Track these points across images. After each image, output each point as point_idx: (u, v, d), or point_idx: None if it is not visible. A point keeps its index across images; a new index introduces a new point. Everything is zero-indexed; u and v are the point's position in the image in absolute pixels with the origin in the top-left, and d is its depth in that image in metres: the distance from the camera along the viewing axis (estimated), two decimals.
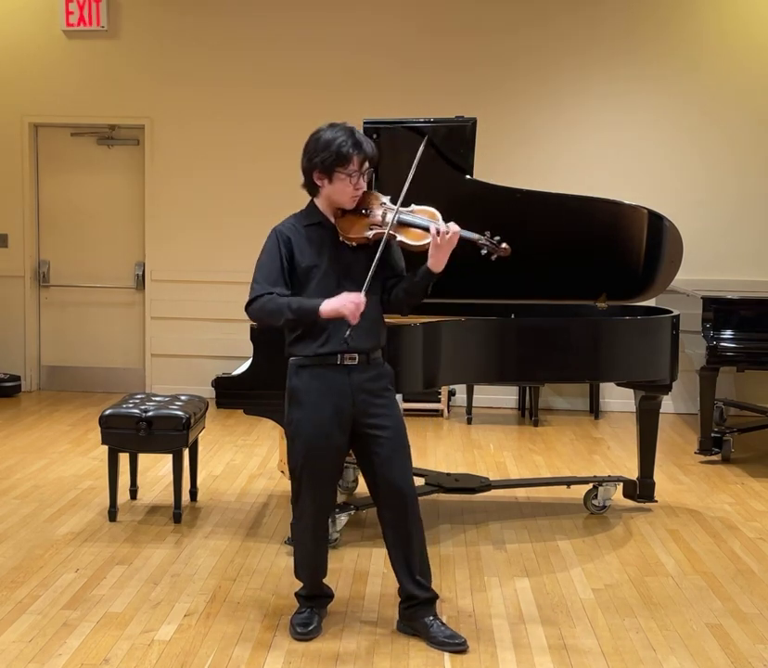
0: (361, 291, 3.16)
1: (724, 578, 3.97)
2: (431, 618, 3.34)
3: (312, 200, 3.37)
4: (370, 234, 3.28)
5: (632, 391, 4.88)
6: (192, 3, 7.41)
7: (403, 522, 3.32)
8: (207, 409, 4.92)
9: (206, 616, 3.51)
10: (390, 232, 3.25)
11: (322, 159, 3.21)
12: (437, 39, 7.27)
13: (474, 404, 7.09)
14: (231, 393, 4.11)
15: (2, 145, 7.64)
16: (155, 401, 4.73)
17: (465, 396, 7.11)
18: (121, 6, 7.44)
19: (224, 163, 7.49)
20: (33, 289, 7.80)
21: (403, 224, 3.28)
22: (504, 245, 3.28)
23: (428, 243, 3.23)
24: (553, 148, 7.32)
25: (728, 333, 5.70)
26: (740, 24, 7.17)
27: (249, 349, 4.09)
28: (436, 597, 3.41)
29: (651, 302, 5.48)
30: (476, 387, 7.10)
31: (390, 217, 3.26)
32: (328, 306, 3.15)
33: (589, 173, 7.17)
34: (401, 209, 3.29)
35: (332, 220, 3.33)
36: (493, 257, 3.30)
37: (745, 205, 7.27)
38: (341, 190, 3.26)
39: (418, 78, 7.26)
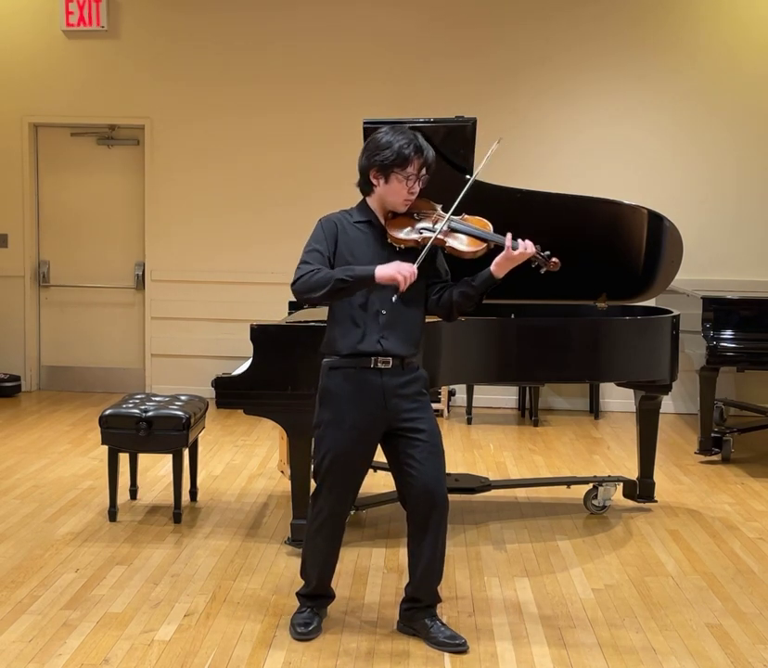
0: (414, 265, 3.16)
1: (724, 578, 3.97)
2: (431, 619, 3.34)
3: (364, 199, 3.37)
4: (419, 238, 3.28)
5: (632, 391, 4.88)
6: (192, 2, 7.41)
7: (431, 526, 3.29)
8: (207, 409, 4.92)
9: (206, 616, 3.51)
10: (440, 237, 3.26)
11: (382, 158, 3.21)
12: (438, 35, 7.26)
13: (474, 404, 7.09)
14: (231, 393, 4.11)
15: (2, 145, 7.64)
16: (155, 401, 4.73)
17: (465, 396, 7.11)
18: (121, 6, 7.44)
19: (224, 163, 7.50)
20: (33, 289, 7.80)
21: (453, 231, 3.30)
22: (554, 259, 3.30)
23: (478, 250, 3.27)
24: (553, 148, 7.32)
25: (728, 333, 5.71)
26: (744, 21, 7.16)
27: (249, 349, 4.09)
28: (439, 601, 3.41)
29: (651, 302, 5.48)
30: (476, 387, 7.10)
31: (441, 223, 3.28)
32: (383, 271, 3.13)
33: (590, 172, 7.17)
34: (452, 217, 3.30)
35: (382, 221, 3.33)
36: (543, 271, 3.32)
37: (747, 205, 7.27)
38: (396, 192, 3.26)
39: (419, 72, 7.26)
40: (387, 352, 3.26)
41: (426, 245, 3.24)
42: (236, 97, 7.44)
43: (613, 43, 7.22)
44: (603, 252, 4.73)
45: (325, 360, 3.34)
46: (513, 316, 4.69)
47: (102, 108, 7.51)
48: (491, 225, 3.35)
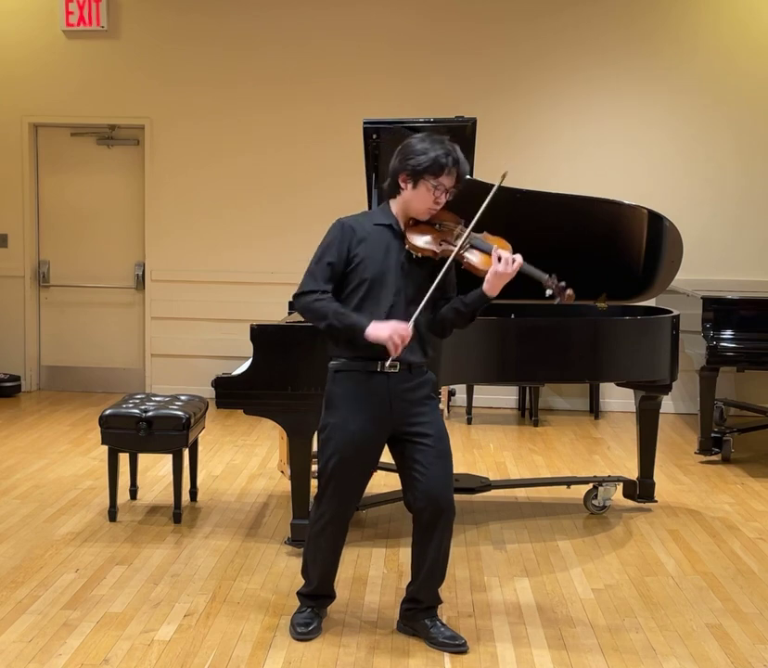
0: (409, 322, 3.15)
1: (724, 578, 3.97)
2: (432, 619, 3.34)
3: (387, 202, 3.35)
4: (439, 249, 3.25)
5: (632, 391, 4.88)
6: (192, 3, 7.41)
7: (437, 529, 3.28)
8: (207, 409, 4.92)
9: (206, 616, 3.51)
10: (461, 252, 3.24)
11: (417, 163, 3.18)
12: (432, 41, 7.27)
13: (474, 404, 7.10)
14: (231, 393, 4.11)
15: (2, 145, 7.64)
16: (155, 401, 4.73)
17: (465, 396, 7.11)
18: (121, 6, 7.44)
19: (224, 163, 7.49)
20: (33, 289, 7.80)
21: (473, 247, 3.27)
22: (568, 292, 3.26)
23: None
24: (553, 148, 7.31)
25: (728, 333, 5.71)
26: (748, 20, 7.16)
27: (249, 349, 4.09)
28: (440, 602, 3.41)
29: (651, 302, 5.48)
30: (476, 387, 7.10)
31: (463, 239, 3.24)
32: (375, 332, 3.13)
33: (589, 172, 7.17)
34: (475, 234, 3.28)
35: (402, 226, 3.30)
36: (556, 301, 3.29)
37: (747, 205, 7.27)
38: (422, 198, 3.23)
39: (417, 76, 7.25)
40: (396, 359, 3.23)
41: (446, 257, 3.22)
42: (236, 97, 7.44)
43: (614, 41, 7.22)
44: (603, 252, 4.73)
45: (331, 363, 3.33)
46: (513, 316, 4.69)
47: (102, 108, 7.51)
48: (511, 247, 3.30)
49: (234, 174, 7.49)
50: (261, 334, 4.07)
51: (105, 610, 3.54)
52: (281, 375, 4.05)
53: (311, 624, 3.37)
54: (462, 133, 4.20)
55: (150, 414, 4.52)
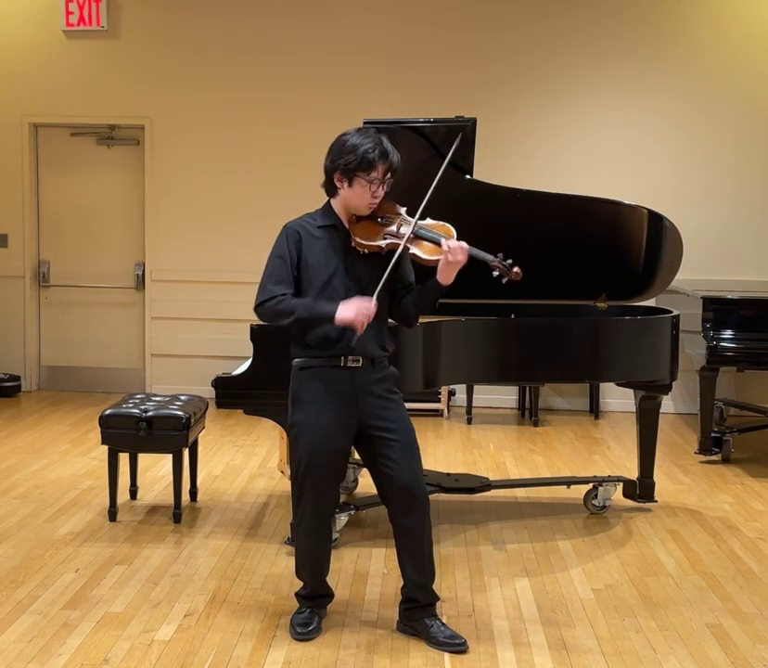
0: (372, 297, 3.17)
1: (724, 578, 3.97)
2: (431, 618, 3.34)
3: (328, 201, 3.36)
4: (384, 243, 3.26)
5: (632, 391, 4.88)
6: (192, 3, 7.41)
7: (413, 524, 3.31)
8: (207, 409, 4.92)
9: (206, 616, 3.51)
10: (406, 244, 3.25)
11: (346, 161, 3.20)
12: (434, 39, 7.27)
13: (474, 404, 7.10)
14: (231, 393, 4.11)
15: (2, 145, 7.64)
16: (155, 401, 4.73)
17: (465, 396, 7.11)
18: (121, 7, 7.44)
19: (224, 163, 7.49)
20: (33, 289, 7.80)
21: (417, 237, 3.28)
22: (515, 269, 3.27)
23: (441, 259, 3.24)
24: (552, 148, 7.32)
25: (728, 333, 5.70)
26: (741, 23, 7.16)
27: (249, 349, 4.09)
28: (437, 599, 3.41)
29: (651, 302, 5.48)
30: (476, 387, 7.10)
31: (405, 229, 3.26)
32: (342, 315, 3.15)
33: (588, 172, 7.17)
34: (418, 222, 3.29)
35: (346, 224, 3.32)
36: (504, 280, 3.29)
37: (744, 205, 7.27)
38: (359, 195, 3.25)
39: (417, 78, 7.26)
40: (357, 353, 3.27)
41: (392, 250, 3.24)
42: (235, 97, 7.43)
43: (611, 44, 7.22)
44: (603, 252, 4.74)
45: (295, 361, 3.35)
46: (513, 316, 4.69)
47: (102, 108, 7.51)
48: (455, 231, 3.32)
49: (234, 174, 7.49)
50: (261, 334, 4.07)
51: (105, 610, 3.54)
52: (281, 375, 4.02)
53: (310, 624, 3.37)
54: (462, 133, 4.20)
55: (150, 414, 4.52)
